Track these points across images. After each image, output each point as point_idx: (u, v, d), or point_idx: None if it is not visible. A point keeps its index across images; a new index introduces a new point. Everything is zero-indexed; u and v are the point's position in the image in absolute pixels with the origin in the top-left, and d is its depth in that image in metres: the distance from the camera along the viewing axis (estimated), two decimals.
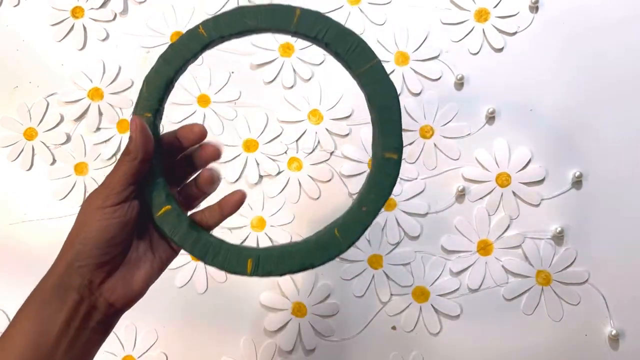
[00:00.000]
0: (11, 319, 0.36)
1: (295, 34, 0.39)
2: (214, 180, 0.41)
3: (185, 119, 0.64)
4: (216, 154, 0.41)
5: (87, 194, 0.63)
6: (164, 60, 0.40)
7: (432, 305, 0.57)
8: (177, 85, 0.67)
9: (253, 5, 0.39)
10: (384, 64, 0.62)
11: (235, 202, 0.40)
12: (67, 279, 0.36)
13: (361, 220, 0.40)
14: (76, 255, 0.36)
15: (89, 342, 0.37)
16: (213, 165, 0.41)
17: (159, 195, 0.39)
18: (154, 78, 0.40)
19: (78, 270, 0.36)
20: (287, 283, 0.59)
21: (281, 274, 0.39)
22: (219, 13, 0.39)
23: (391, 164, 0.39)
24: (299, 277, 0.59)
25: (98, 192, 0.37)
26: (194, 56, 0.40)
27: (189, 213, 0.41)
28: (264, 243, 0.60)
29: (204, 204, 0.42)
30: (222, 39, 0.39)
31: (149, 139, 0.37)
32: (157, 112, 0.40)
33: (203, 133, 0.40)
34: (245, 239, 0.60)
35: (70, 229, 0.38)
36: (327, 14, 0.70)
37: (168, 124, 0.64)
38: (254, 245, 0.39)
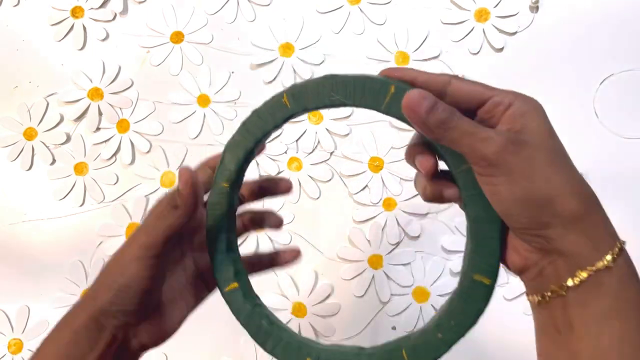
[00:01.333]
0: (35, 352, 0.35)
1: (386, 114, 0.34)
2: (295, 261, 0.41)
3: (185, 118, 0.64)
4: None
5: (86, 194, 0.63)
6: (246, 129, 0.37)
7: (432, 306, 0.57)
8: (177, 85, 0.68)
9: (342, 76, 0.34)
10: (385, 64, 0.63)
11: (288, 262, 0.41)
12: (103, 320, 0.35)
13: (434, 348, 0.35)
14: (114, 299, 0.35)
15: None
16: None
17: (228, 268, 0.38)
18: (234, 148, 0.38)
19: (115, 313, 0.35)
20: (287, 283, 0.59)
21: None
22: (307, 80, 0.36)
23: (481, 289, 0.33)
24: (299, 277, 0.59)
25: (138, 238, 0.35)
26: (275, 127, 0.37)
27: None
28: (264, 243, 0.60)
29: None
30: (305, 111, 0.36)
31: (197, 197, 0.36)
32: (235, 184, 0.38)
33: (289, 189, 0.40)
34: (245, 240, 0.60)
35: (106, 269, 0.36)
36: (327, 13, 0.70)
37: (168, 123, 0.64)
38: (295, 329, 0.39)
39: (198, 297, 0.40)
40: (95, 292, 0.36)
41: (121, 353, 0.36)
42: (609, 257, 0.26)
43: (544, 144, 0.28)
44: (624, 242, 0.27)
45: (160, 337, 0.38)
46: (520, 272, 0.31)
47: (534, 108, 0.29)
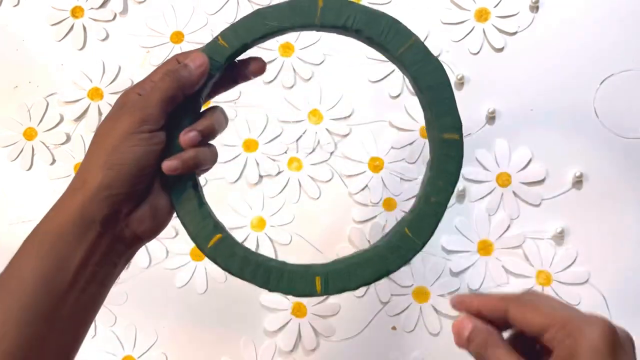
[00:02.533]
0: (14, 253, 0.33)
1: (321, 27, 0.37)
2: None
3: None
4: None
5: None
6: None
7: (432, 306, 0.57)
8: None
9: (270, 6, 0.37)
10: (385, 64, 0.63)
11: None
12: (91, 210, 0.32)
13: (432, 213, 0.36)
14: (105, 184, 0.32)
15: (107, 278, 0.34)
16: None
17: (205, 223, 0.36)
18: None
19: (105, 200, 0.32)
20: None
21: (355, 287, 0.36)
22: (235, 21, 0.37)
23: (453, 145, 0.37)
24: None
25: (128, 113, 0.33)
26: (218, 69, 0.37)
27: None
28: (264, 243, 0.60)
29: None
30: (245, 46, 0.37)
31: (203, 78, 0.35)
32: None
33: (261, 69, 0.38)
34: (245, 240, 0.60)
35: (89, 154, 0.33)
36: None
37: None
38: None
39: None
40: (80, 179, 0.33)
41: (114, 246, 0.34)
42: None
43: None
44: None
45: (154, 227, 0.35)
46: None
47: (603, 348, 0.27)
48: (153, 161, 0.34)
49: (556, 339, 0.28)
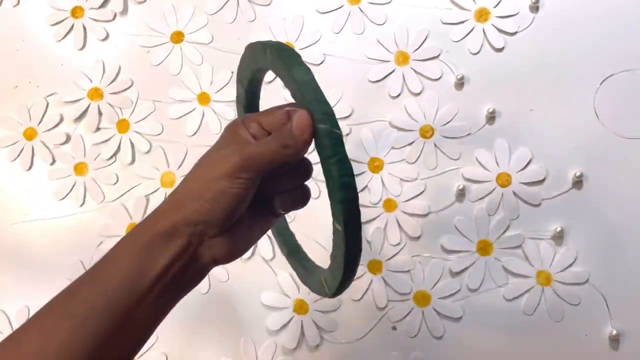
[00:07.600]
0: (104, 257, 0.36)
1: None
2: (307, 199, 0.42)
3: (184, 115, 0.64)
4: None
5: (87, 194, 0.63)
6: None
7: (434, 309, 0.57)
8: (178, 81, 0.68)
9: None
10: (385, 64, 0.63)
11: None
12: (180, 227, 0.35)
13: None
14: (201, 208, 0.35)
15: (178, 291, 0.37)
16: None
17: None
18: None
19: (198, 221, 0.35)
20: (287, 282, 0.59)
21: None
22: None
23: (339, 234, 0.37)
24: None
25: (237, 154, 0.35)
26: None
27: None
28: (264, 242, 0.60)
29: None
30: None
31: (309, 145, 0.38)
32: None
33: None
34: None
35: (193, 179, 0.36)
36: (327, 13, 0.70)
37: (168, 123, 0.64)
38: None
39: (266, 226, 0.41)
40: (180, 201, 0.35)
41: (191, 264, 0.36)
42: None
43: None
44: None
45: (232, 253, 0.37)
46: None
47: None
48: (245, 203, 0.36)
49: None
